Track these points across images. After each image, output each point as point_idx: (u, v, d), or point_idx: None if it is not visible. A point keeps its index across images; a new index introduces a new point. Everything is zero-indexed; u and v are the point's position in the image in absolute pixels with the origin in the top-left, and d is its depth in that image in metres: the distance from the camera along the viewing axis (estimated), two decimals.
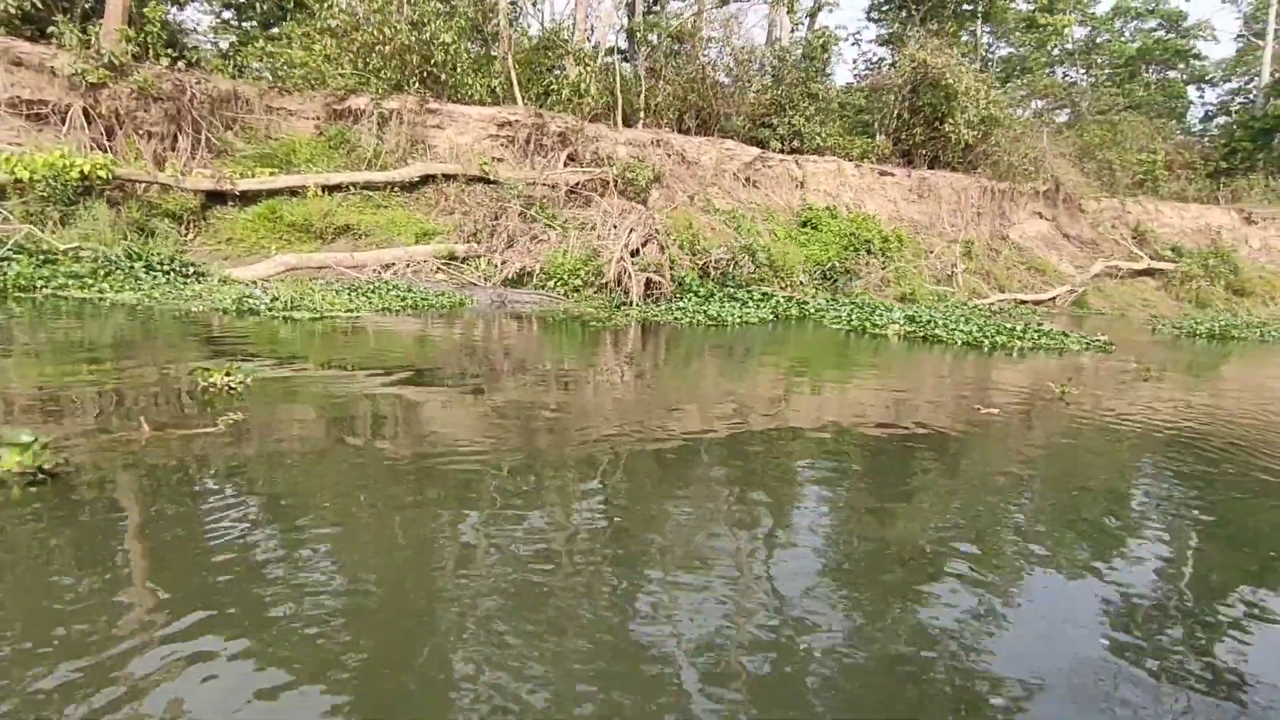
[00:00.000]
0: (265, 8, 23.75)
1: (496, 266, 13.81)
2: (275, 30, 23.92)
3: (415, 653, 2.35)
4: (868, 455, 5.07)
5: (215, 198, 14.44)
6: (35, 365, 5.95)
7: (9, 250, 10.13)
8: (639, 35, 19.94)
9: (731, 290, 14.84)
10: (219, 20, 25.23)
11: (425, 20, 15.94)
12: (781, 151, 21.49)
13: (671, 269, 14.15)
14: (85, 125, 14.18)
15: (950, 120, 22.25)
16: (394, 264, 13.57)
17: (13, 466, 3.50)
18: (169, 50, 15.14)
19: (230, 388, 5.44)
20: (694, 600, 2.79)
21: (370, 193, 15.42)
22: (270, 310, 9.25)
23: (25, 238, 10.63)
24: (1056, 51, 36.68)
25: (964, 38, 28.87)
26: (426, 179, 16.06)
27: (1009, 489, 4.54)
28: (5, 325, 7.61)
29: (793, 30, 23.19)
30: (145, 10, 14.95)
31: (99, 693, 2.06)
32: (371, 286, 11.73)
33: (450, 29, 16.27)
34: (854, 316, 13.54)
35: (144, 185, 13.80)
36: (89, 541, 2.99)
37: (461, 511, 3.56)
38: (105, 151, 14.02)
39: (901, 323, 12.91)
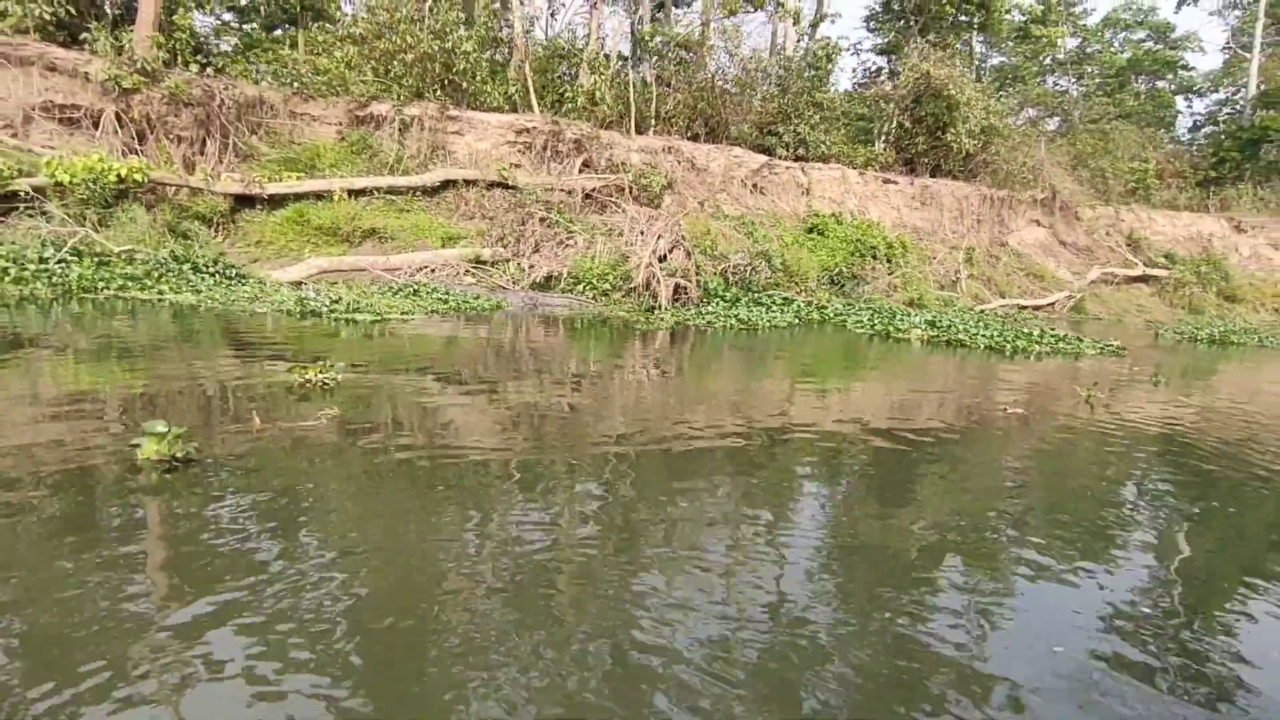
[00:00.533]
0: (268, 11, 23.97)
1: (525, 271, 14.19)
2: (279, 33, 24.25)
3: (418, 653, 2.43)
4: (899, 454, 5.33)
5: (243, 201, 14.74)
6: (143, 362, 6.27)
7: (65, 253, 10.42)
8: (648, 44, 20.36)
9: (755, 295, 15.29)
10: (219, 22, 25.40)
11: (448, 30, 16.29)
12: (787, 159, 21.99)
13: (696, 274, 14.57)
14: (117, 130, 14.45)
15: (952, 130, 22.84)
16: (425, 266, 13.91)
17: (151, 454, 3.89)
18: (197, 56, 15.43)
19: (324, 384, 5.81)
20: (696, 601, 2.84)
21: (393, 197, 15.76)
22: (332, 312, 9.58)
23: (80, 241, 10.91)
24: (1048, 61, 37.49)
25: (958, 46, 29.51)
26: (447, 184, 16.42)
27: (1045, 486, 4.96)
28: (88, 325, 7.92)
29: (798, 40, 23.70)
30: (174, 18, 15.24)
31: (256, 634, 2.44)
32: (412, 289, 12.07)
33: (471, 38, 16.64)
34: (875, 321, 14.01)
35: (175, 188, 14.08)
36: (219, 518, 3.35)
37: (486, 504, 3.91)
38: (136, 155, 14.29)
39: (923, 327, 13.38)
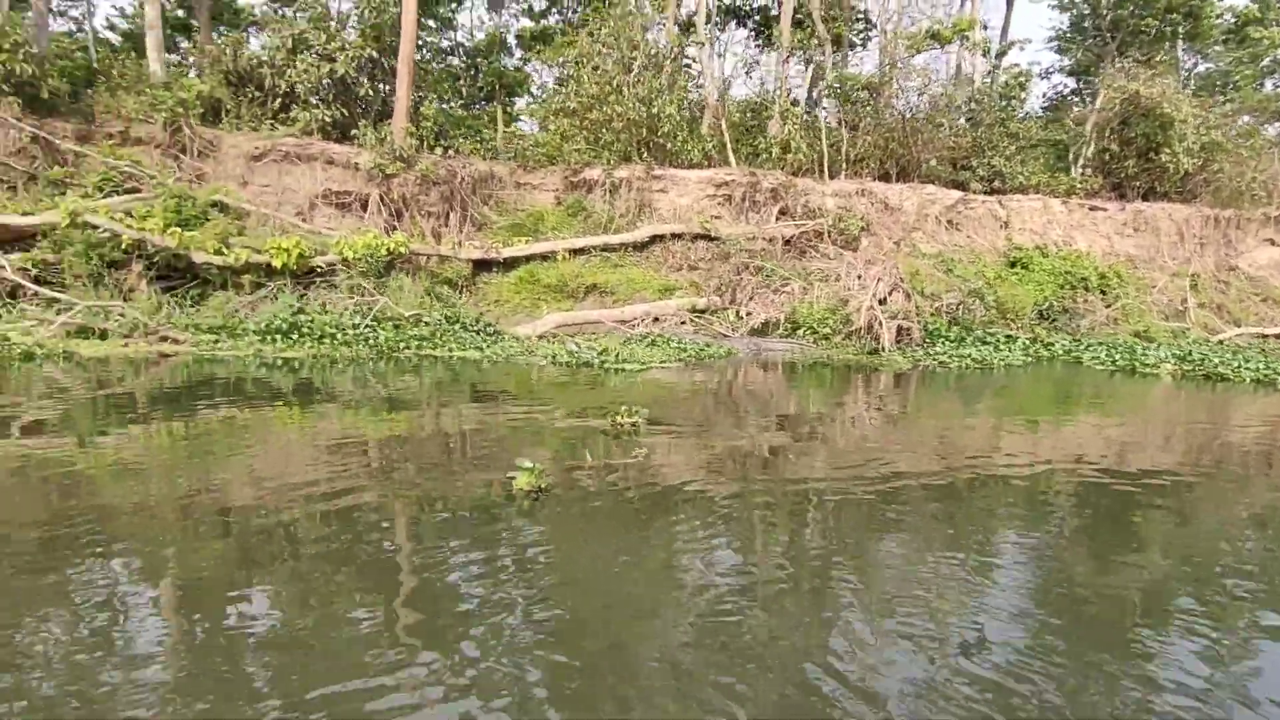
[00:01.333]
0: (468, 92, 26.65)
1: (742, 318, 14.74)
2: (477, 110, 26.91)
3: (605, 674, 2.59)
4: (1138, 495, 5.06)
5: (481, 265, 16.44)
6: (474, 410, 7.28)
7: (369, 321, 12.19)
8: (835, 90, 20.70)
9: (975, 333, 14.97)
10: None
11: (653, 96, 17.49)
12: (983, 193, 21.35)
13: (916, 315, 14.52)
14: (380, 210, 16.69)
15: (1167, 150, 21.23)
16: (648, 316, 14.82)
17: (524, 485, 4.68)
18: (439, 141, 17.56)
19: (633, 427, 6.51)
20: (897, 642, 2.75)
21: (608, 254, 16.95)
22: (602, 362, 10.52)
23: (381, 309, 12.72)
24: (1267, 63, 33.84)
25: (1163, 58, 27.44)
26: (655, 238, 17.44)
27: None
28: (436, 380, 9.24)
29: (987, 71, 23.14)
30: (421, 109, 17.47)
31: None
32: (649, 339, 12.91)
33: (672, 101, 17.75)
34: (1115, 355, 13.27)
35: (427, 257, 15.97)
36: (580, 534, 4.08)
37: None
38: (394, 231, 16.40)
39: (1174, 362, 12.52)
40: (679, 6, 21.39)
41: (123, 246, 13.75)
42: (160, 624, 2.79)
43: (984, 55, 22.76)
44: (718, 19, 24.10)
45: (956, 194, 20.83)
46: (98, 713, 2.22)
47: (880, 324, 13.74)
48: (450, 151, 17.32)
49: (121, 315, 12.54)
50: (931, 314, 15.69)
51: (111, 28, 25.87)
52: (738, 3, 25.78)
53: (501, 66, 25.18)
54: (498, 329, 13.55)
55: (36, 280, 13.29)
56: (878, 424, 7.52)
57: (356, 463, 5.36)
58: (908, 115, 20.96)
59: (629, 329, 14.40)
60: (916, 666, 2.64)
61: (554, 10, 26.83)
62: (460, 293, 16.07)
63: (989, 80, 23.84)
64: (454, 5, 24.79)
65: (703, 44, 20.23)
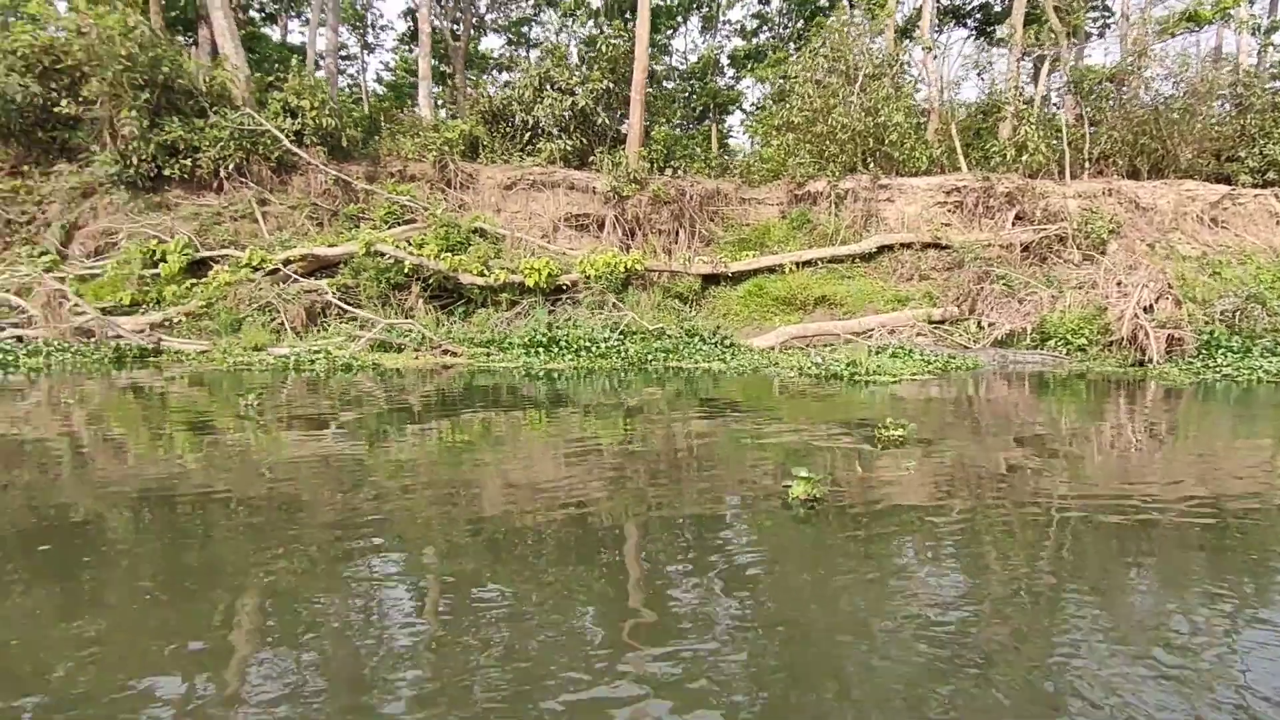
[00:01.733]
0: (683, 112, 27.77)
1: (984, 329, 14.21)
2: (691, 130, 27.90)
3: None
4: None
5: (709, 279, 17.09)
6: (734, 420, 7.65)
7: (616, 335, 13.17)
8: (1078, 85, 19.34)
9: (1268, 344, 13.39)
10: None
11: (879, 106, 17.34)
12: (1254, 185, 18.99)
13: (1189, 323, 13.26)
14: (615, 230, 17.87)
15: None
16: (882, 328, 14.69)
17: (800, 494, 4.82)
18: (668, 162, 18.51)
19: (901, 440, 6.58)
20: (1144, 678, 2.54)
21: (835, 265, 16.98)
22: (851, 374, 10.65)
23: (628, 324, 13.71)
24: None
25: None
26: (882, 249, 17.23)
27: None
28: (691, 389, 9.89)
29: (1257, 52, 20.58)
30: (652, 134, 18.52)
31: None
32: (888, 350, 12.83)
33: (900, 109, 17.49)
34: None
35: (658, 274, 16.87)
36: (855, 540, 4.11)
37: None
38: (626, 250, 17.49)
39: None
40: (898, 8, 21.02)
41: (405, 270, 15.81)
42: (413, 602, 3.32)
43: (1252, 34, 20.27)
44: (935, 20, 23.39)
45: (1222, 188, 18.70)
46: (361, 672, 2.68)
47: (1146, 334, 12.67)
48: (679, 172, 18.17)
49: (409, 331, 14.40)
50: (1205, 322, 14.22)
51: (379, 81, 29.82)
52: (957, 2, 24.88)
53: (715, 86, 26.03)
54: (733, 341, 14.03)
55: (341, 304, 15.60)
56: (1144, 443, 7.01)
57: (629, 465, 5.85)
58: (1160, 105, 19.13)
59: (864, 340, 14.34)
60: (1173, 703, 2.49)
61: (765, 28, 27.36)
62: (689, 306, 16.80)
63: (1257, 61, 21.18)
64: (669, 32, 26.01)
65: (929, 48, 19.73)
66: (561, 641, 2.90)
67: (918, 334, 14.84)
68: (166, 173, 16.86)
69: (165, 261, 15.57)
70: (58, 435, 6.80)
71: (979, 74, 19.67)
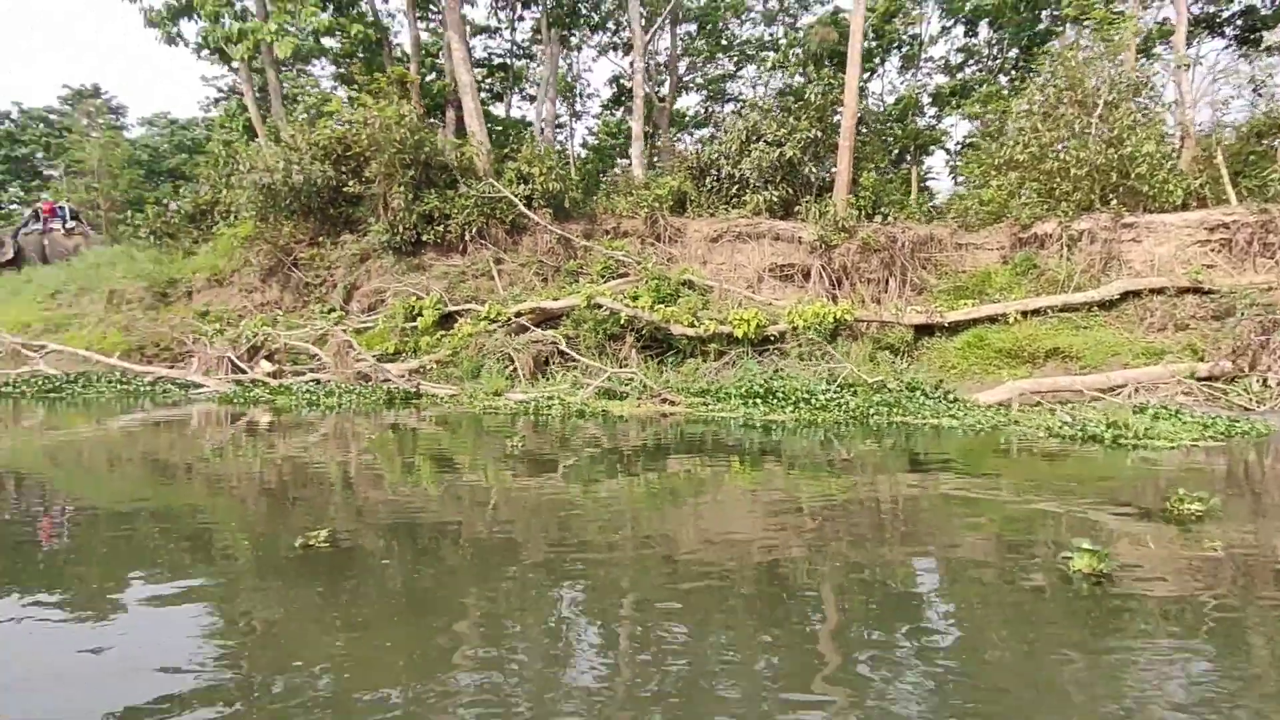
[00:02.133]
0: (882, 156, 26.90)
1: (1271, 387, 12.24)
2: (891, 175, 26.94)
3: None
4: None
5: (922, 330, 16.37)
6: (993, 483, 7.17)
7: (834, 389, 13.08)
8: None
9: None
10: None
11: (1124, 136, 15.74)
12: None
13: None
14: (820, 278, 17.78)
15: None
16: (1132, 384, 13.17)
17: (1082, 567, 4.43)
18: (876, 209, 18.13)
19: (1199, 515, 5.86)
20: None
21: (1068, 314, 15.52)
22: (1115, 436, 9.70)
23: (846, 376, 13.58)
24: None
25: None
26: (1125, 295, 15.49)
27: None
28: (886, 446, 9.60)
29: None
30: (860, 179, 18.27)
31: None
32: (1152, 412, 11.45)
33: (1150, 136, 15.75)
34: None
35: (867, 324, 16.46)
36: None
37: None
38: (832, 299, 17.29)
39: None
40: (1139, 18, 19.01)
41: (620, 321, 16.87)
42: (599, 638, 3.92)
43: None
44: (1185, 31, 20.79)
45: None
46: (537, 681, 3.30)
47: None
48: (887, 218, 17.73)
49: (629, 380, 15.29)
50: None
51: (584, 145, 32.43)
52: (1210, 9, 22.01)
53: (916, 127, 25.14)
54: (957, 396, 13.29)
55: (560, 353, 16.97)
56: None
57: (829, 525, 5.99)
58: None
59: (1111, 398, 12.93)
60: None
61: (971, 61, 26.00)
62: (900, 358, 16.15)
63: None
64: (867, 75, 25.57)
65: (1186, 66, 17.61)
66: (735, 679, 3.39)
67: (1183, 391, 13.11)
68: (424, 238, 19.54)
69: (422, 315, 17.98)
70: (342, 461, 8.23)
71: (1255, 90, 17.05)
